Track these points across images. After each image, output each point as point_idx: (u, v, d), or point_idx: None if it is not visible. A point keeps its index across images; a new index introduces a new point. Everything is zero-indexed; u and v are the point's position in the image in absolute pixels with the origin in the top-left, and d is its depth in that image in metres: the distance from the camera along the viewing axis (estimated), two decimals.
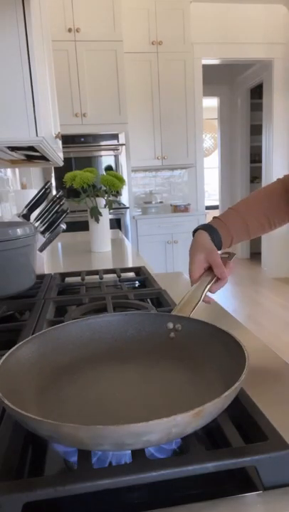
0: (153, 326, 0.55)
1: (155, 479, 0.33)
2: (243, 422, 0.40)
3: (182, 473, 0.33)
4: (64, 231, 1.32)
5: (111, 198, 1.67)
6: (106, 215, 1.66)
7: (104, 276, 1.10)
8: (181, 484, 0.35)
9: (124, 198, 3.36)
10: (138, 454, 0.35)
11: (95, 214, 1.62)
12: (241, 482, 0.36)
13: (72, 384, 0.45)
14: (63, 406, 0.41)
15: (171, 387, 0.46)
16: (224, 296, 3.77)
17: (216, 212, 5.86)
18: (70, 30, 3.00)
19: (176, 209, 3.76)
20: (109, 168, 3.25)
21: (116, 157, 3.28)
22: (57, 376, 0.47)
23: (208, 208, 4.67)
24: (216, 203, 6.05)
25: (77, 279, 1.10)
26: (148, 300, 0.89)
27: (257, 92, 4.90)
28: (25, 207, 1.20)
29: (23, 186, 2.27)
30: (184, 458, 0.34)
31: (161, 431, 0.32)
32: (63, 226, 1.21)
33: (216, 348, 0.49)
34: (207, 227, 0.73)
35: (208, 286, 0.63)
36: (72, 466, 0.37)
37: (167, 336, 0.54)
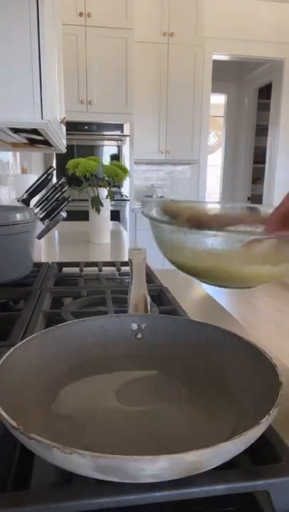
0: (115, 329, 0.52)
1: (159, 500, 0.30)
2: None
3: (188, 495, 0.30)
4: (64, 219, 1.28)
5: (113, 189, 1.63)
6: (107, 206, 1.62)
7: (104, 268, 1.06)
8: (178, 505, 0.32)
9: (125, 190, 3.31)
10: None
11: (96, 204, 1.58)
12: (246, 506, 0.33)
13: (63, 404, 0.41)
14: (77, 430, 0.37)
15: (169, 396, 0.43)
16: (217, 295, 3.75)
17: None
18: (81, 14, 2.93)
19: None
20: (114, 157, 3.20)
21: (119, 148, 3.23)
22: (43, 400, 0.41)
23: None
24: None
25: (75, 269, 1.07)
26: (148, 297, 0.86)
27: (265, 92, 4.85)
28: (26, 192, 1.16)
29: (24, 171, 2.23)
30: (192, 478, 0.31)
31: (238, 448, 0.31)
32: (64, 214, 1.17)
33: (196, 344, 0.48)
34: None
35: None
36: (65, 476, 0.34)
37: (134, 338, 0.51)
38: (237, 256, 0.48)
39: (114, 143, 3.22)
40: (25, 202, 1.15)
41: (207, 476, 0.31)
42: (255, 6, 3.68)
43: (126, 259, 1.37)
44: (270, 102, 4.24)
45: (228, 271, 0.49)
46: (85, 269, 1.06)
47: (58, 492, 0.30)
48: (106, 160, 3.18)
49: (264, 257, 0.48)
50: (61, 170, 2.46)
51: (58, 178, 1.31)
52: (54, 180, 2.29)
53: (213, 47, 3.65)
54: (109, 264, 1.10)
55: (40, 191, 1.19)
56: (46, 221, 1.16)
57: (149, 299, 0.57)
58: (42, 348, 0.46)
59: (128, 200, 3.32)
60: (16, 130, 1.30)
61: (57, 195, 1.18)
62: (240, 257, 0.47)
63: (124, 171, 1.59)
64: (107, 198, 1.62)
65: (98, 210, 1.59)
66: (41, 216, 1.15)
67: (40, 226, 1.14)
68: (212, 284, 0.53)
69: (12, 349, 0.42)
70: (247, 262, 0.48)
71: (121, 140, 3.21)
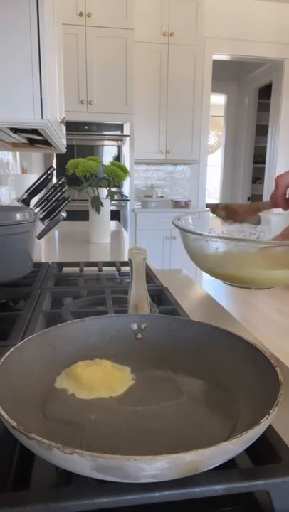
0: (115, 330, 0.52)
1: (158, 500, 0.30)
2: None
3: (189, 495, 0.30)
4: (64, 219, 1.28)
5: (113, 189, 1.63)
6: (107, 206, 1.62)
7: (104, 268, 1.06)
8: (178, 505, 0.32)
9: (125, 190, 3.31)
10: None
11: (96, 204, 1.58)
12: (246, 506, 0.33)
13: (63, 404, 0.40)
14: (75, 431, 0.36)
15: (169, 396, 0.42)
16: (217, 296, 3.75)
17: None
18: (81, 14, 2.93)
19: (176, 205, 3.73)
20: (115, 159, 3.21)
21: (119, 148, 3.23)
22: (42, 400, 0.40)
23: (208, 205, 4.63)
24: (216, 201, 6.02)
25: (75, 269, 1.07)
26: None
27: (265, 92, 4.85)
28: (26, 192, 1.16)
29: (24, 171, 2.23)
30: (191, 478, 0.31)
31: (238, 448, 0.30)
32: (64, 214, 1.17)
33: (196, 344, 0.48)
34: None
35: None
36: (65, 476, 0.34)
37: (134, 338, 0.51)
38: (255, 261, 0.54)
39: (115, 143, 3.22)
40: (25, 202, 1.15)
41: (207, 476, 0.31)
42: (255, 6, 3.68)
43: (126, 259, 1.37)
44: (270, 102, 4.24)
45: (248, 276, 0.55)
46: (85, 269, 1.06)
47: (58, 492, 0.30)
48: (106, 160, 3.18)
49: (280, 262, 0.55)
50: (61, 170, 2.46)
51: (58, 178, 1.31)
52: (54, 180, 2.29)
53: (213, 47, 3.65)
54: (109, 264, 1.10)
55: (40, 191, 1.19)
56: (46, 221, 1.16)
57: (149, 299, 0.57)
58: (42, 348, 0.46)
59: (128, 200, 3.33)
60: (16, 130, 1.30)
61: (57, 195, 1.18)
62: (258, 262, 0.54)
63: (125, 171, 1.59)
64: (107, 198, 1.62)
65: (98, 210, 1.59)
66: (41, 216, 1.15)
67: (40, 226, 1.14)
68: (238, 287, 0.59)
69: (12, 349, 0.42)
70: (265, 266, 0.54)
71: (121, 140, 3.21)
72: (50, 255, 1.39)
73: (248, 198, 5.15)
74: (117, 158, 3.23)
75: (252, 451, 0.36)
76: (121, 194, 3.27)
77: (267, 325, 3.08)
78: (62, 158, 2.97)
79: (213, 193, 6.91)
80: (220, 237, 0.61)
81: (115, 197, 1.69)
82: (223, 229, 0.70)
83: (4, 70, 0.96)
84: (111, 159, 3.22)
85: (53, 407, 0.40)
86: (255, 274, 0.56)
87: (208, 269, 0.61)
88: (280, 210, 0.62)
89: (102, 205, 1.59)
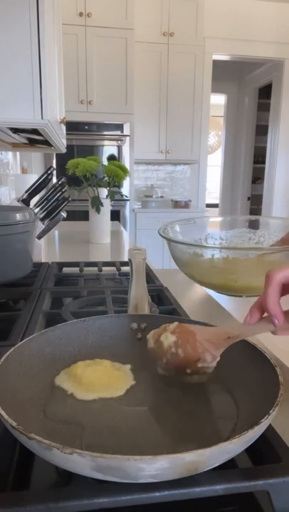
0: (115, 329, 0.52)
1: (158, 500, 0.30)
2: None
3: (189, 495, 0.30)
4: (64, 219, 1.28)
5: (113, 188, 1.63)
6: (107, 206, 1.62)
7: (104, 268, 1.06)
8: (178, 505, 0.32)
9: (125, 190, 3.31)
10: None
11: (96, 204, 1.58)
12: (246, 506, 0.33)
13: (63, 404, 0.40)
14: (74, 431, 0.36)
15: (169, 396, 0.42)
16: (217, 296, 3.74)
17: (216, 211, 5.83)
18: (81, 14, 2.93)
19: (176, 205, 3.72)
20: (112, 158, 3.21)
21: (119, 148, 3.23)
22: (43, 400, 0.40)
23: (208, 205, 4.63)
24: (216, 201, 6.01)
25: (75, 269, 1.07)
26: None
27: (265, 92, 4.84)
28: (26, 192, 1.15)
29: (24, 171, 2.23)
30: (191, 478, 0.31)
31: (238, 448, 0.31)
32: (64, 214, 1.17)
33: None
34: None
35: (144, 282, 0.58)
36: (65, 476, 0.34)
37: (134, 338, 0.51)
38: (246, 271, 0.52)
39: (114, 143, 3.22)
40: (25, 202, 1.15)
41: (207, 476, 0.31)
42: (255, 6, 3.68)
43: (126, 259, 1.37)
44: (270, 102, 4.24)
45: (238, 286, 0.54)
46: (85, 269, 1.06)
47: (58, 492, 0.30)
48: (105, 160, 3.18)
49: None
50: (61, 170, 2.46)
51: (58, 178, 1.31)
52: (54, 180, 2.28)
53: (213, 47, 3.65)
54: (109, 264, 1.10)
55: (40, 191, 1.19)
56: (46, 221, 1.16)
57: (149, 299, 0.57)
58: (42, 348, 0.46)
59: (128, 200, 3.32)
60: (15, 130, 1.30)
61: (57, 195, 1.18)
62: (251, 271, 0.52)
63: (125, 171, 1.59)
64: (107, 198, 1.62)
65: (98, 210, 1.59)
66: (41, 216, 1.15)
67: (40, 226, 1.14)
68: (229, 295, 0.58)
69: (12, 349, 0.42)
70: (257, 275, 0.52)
71: (121, 140, 3.21)
72: (50, 255, 1.39)
73: (248, 198, 5.15)
74: (115, 157, 3.22)
75: (252, 451, 0.36)
76: (121, 194, 3.26)
77: None
78: (62, 158, 2.96)
79: (213, 192, 6.89)
80: (216, 247, 0.59)
81: (115, 197, 1.69)
82: (220, 234, 0.68)
83: (4, 70, 0.96)
84: (111, 158, 3.22)
85: (53, 407, 0.40)
86: (256, 283, 0.54)
87: (200, 278, 0.60)
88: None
89: (102, 205, 1.59)
